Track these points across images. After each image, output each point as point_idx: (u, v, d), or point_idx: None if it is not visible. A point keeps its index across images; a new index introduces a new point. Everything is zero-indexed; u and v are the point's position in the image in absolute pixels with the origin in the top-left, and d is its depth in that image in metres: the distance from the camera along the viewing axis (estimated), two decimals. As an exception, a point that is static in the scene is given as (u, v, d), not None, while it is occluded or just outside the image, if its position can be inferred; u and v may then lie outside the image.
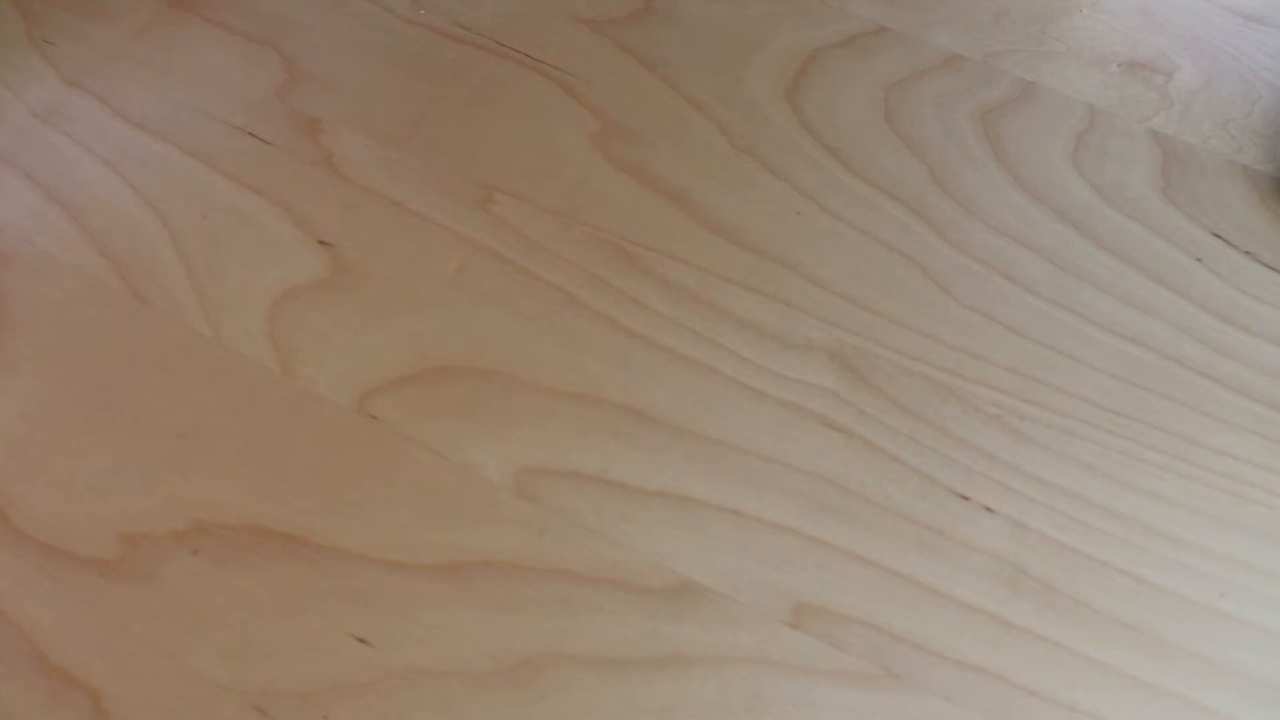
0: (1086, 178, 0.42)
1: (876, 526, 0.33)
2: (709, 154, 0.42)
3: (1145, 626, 0.32)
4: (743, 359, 0.37)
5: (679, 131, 0.42)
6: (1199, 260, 0.40)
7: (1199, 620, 0.32)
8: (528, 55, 0.44)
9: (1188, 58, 0.46)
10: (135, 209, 0.40)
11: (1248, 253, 0.40)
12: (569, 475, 0.34)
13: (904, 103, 0.44)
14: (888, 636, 0.31)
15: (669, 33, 0.45)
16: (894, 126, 0.43)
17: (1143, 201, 0.41)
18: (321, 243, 0.39)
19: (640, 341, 0.37)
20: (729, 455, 0.34)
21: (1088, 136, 0.43)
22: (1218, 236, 0.40)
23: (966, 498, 0.34)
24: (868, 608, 0.32)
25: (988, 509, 0.34)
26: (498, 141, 0.42)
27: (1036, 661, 0.31)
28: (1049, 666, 0.31)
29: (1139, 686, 0.31)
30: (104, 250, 0.39)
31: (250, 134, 0.42)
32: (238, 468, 0.33)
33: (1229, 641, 0.32)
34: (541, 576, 0.31)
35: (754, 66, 0.45)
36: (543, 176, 0.41)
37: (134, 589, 0.31)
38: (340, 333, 0.36)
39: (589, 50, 0.45)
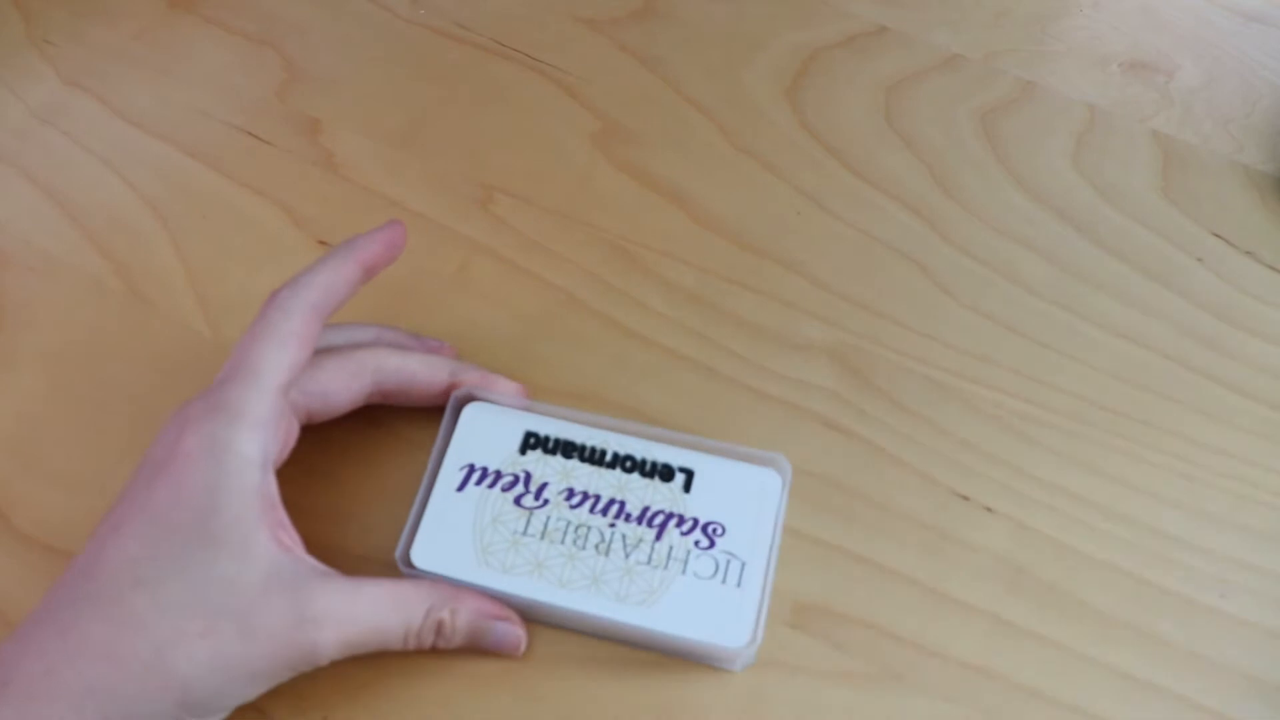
0: (1086, 178, 0.42)
1: (876, 526, 0.33)
2: (709, 154, 0.42)
3: (1145, 626, 0.32)
4: (743, 359, 0.37)
5: (679, 131, 0.42)
6: (1199, 260, 0.40)
7: (1199, 620, 0.32)
8: (528, 55, 0.44)
9: (1188, 58, 0.46)
10: (135, 209, 0.40)
11: (1248, 253, 0.40)
12: (569, 475, 0.34)
13: (904, 103, 0.44)
14: (888, 636, 0.31)
15: (669, 33, 0.45)
16: (894, 126, 0.43)
17: (1143, 201, 0.41)
18: (321, 243, 0.39)
19: (640, 341, 0.37)
20: (729, 455, 0.34)
21: (1088, 136, 0.43)
22: (1218, 236, 0.40)
23: (966, 498, 0.34)
24: (868, 608, 0.32)
25: (988, 509, 0.34)
26: (498, 141, 0.42)
27: (1036, 661, 0.31)
28: (1049, 666, 0.31)
29: (1139, 686, 0.31)
30: (104, 250, 0.39)
31: (250, 134, 0.42)
32: (238, 468, 0.33)
33: (1229, 641, 0.32)
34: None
35: (754, 66, 0.45)
36: (543, 176, 0.41)
37: (134, 589, 0.31)
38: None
39: (589, 50, 0.45)
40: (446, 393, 0.33)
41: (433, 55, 0.44)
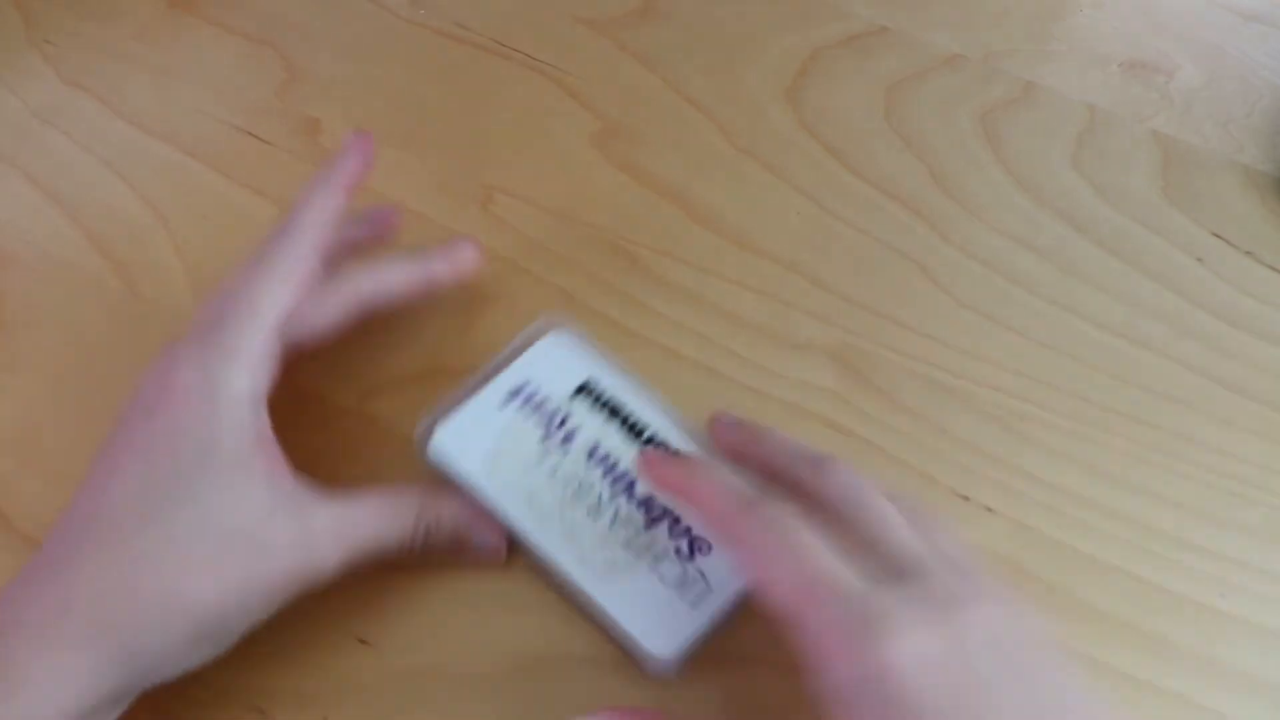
0: (1087, 178, 0.42)
1: (876, 526, 0.33)
2: (709, 154, 0.42)
3: (1145, 626, 0.32)
4: (743, 359, 0.37)
5: (679, 131, 0.42)
6: (1199, 260, 0.40)
7: (1199, 620, 0.32)
8: (528, 55, 0.44)
9: (1188, 58, 0.46)
10: (135, 209, 0.40)
11: (1248, 253, 0.40)
12: (569, 475, 0.34)
13: (904, 103, 0.44)
14: (888, 636, 0.31)
15: (669, 33, 0.45)
16: (894, 126, 0.43)
17: (1143, 201, 0.41)
18: (321, 243, 0.39)
19: (640, 341, 0.37)
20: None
21: (1088, 136, 0.43)
22: (1218, 236, 0.40)
23: (966, 498, 0.34)
24: (868, 608, 0.32)
25: (988, 509, 0.34)
26: (498, 141, 0.42)
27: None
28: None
29: (1139, 686, 0.31)
30: (104, 250, 0.39)
31: (250, 134, 0.42)
32: (238, 468, 0.33)
33: (1229, 641, 0.32)
34: (542, 575, 0.31)
35: (754, 66, 0.45)
36: (543, 176, 0.41)
37: (134, 589, 0.31)
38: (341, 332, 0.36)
39: (589, 50, 0.45)
40: (425, 293, 0.33)
41: (433, 55, 0.44)
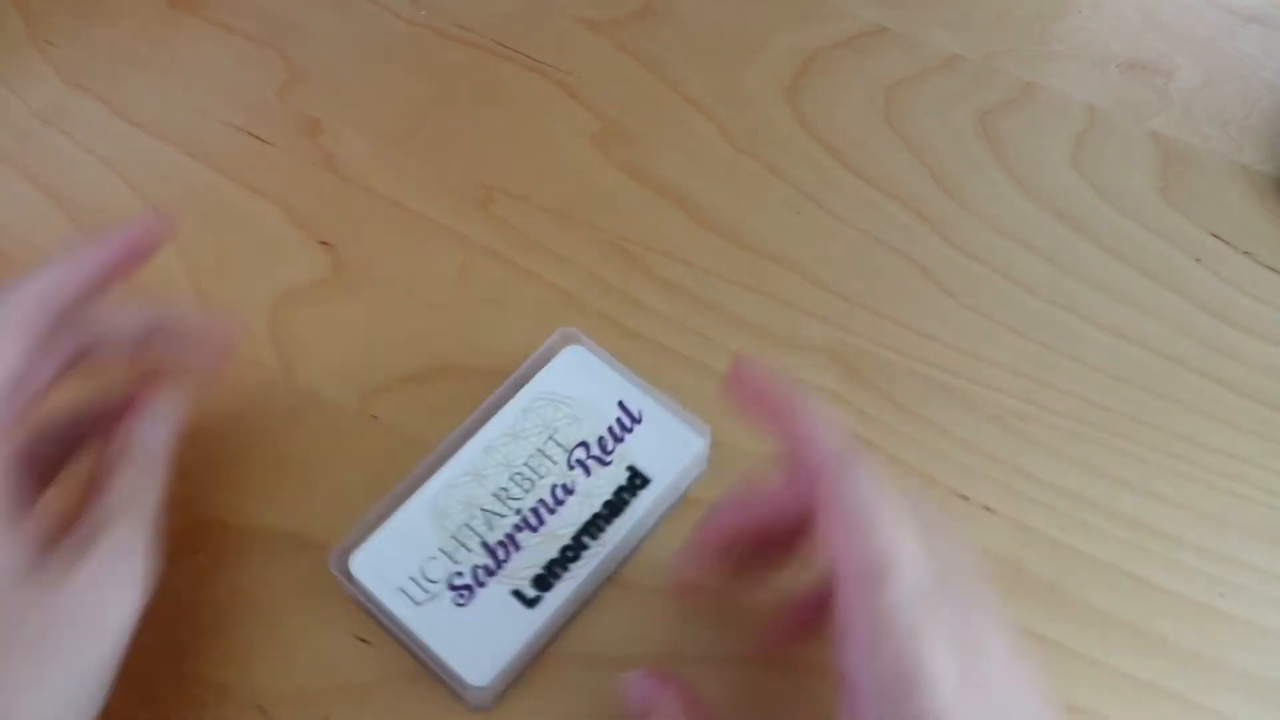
0: (1086, 178, 0.42)
1: (876, 526, 0.33)
2: (709, 154, 0.42)
3: (1145, 626, 0.32)
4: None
5: (679, 131, 0.42)
6: (1198, 260, 0.40)
7: (1199, 620, 0.32)
8: (528, 55, 0.44)
9: (1188, 58, 0.46)
10: (135, 209, 0.40)
11: (1247, 253, 0.40)
12: (569, 475, 0.34)
13: (904, 103, 0.44)
14: (888, 636, 0.31)
15: (669, 33, 0.45)
16: (894, 126, 0.43)
17: (1143, 201, 0.41)
18: (321, 243, 0.39)
19: (640, 341, 0.37)
20: (729, 456, 0.34)
21: (1088, 136, 0.43)
22: (1217, 237, 0.40)
23: (966, 498, 0.34)
24: (868, 608, 0.32)
25: (988, 509, 0.34)
26: (498, 141, 0.42)
27: (1036, 661, 0.31)
28: (1049, 666, 0.31)
29: (1139, 686, 0.31)
30: (104, 250, 0.38)
31: (250, 134, 0.42)
32: (239, 468, 0.33)
33: (1229, 641, 0.32)
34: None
35: (754, 66, 0.45)
36: (543, 176, 0.41)
37: (134, 589, 0.31)
38: (341, 333, 0.36)
39: (589, 50, 0.45)
40: (141, 345, 0.28)
41: (433, 55, 0.44)
